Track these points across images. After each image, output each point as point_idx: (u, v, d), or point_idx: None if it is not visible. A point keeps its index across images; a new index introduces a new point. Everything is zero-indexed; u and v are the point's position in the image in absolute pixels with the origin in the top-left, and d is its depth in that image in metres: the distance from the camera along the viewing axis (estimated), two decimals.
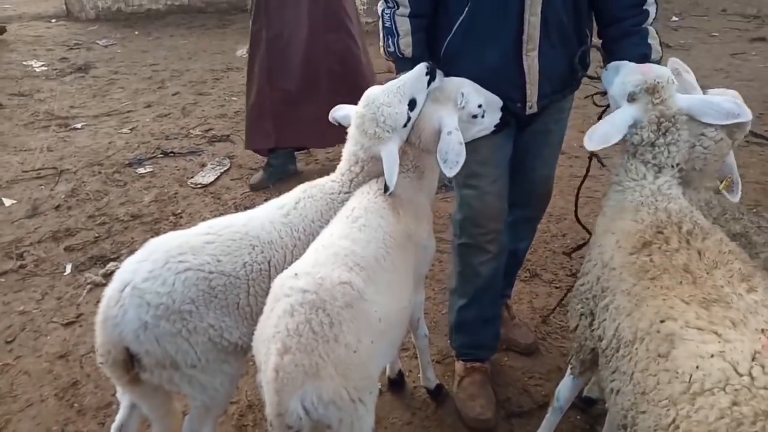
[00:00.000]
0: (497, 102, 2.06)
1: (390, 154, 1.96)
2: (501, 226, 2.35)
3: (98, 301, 3.31)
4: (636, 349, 1.49)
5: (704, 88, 2.03)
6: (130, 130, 5.72)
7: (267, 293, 1.87)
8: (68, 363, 2.87)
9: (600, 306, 1.72)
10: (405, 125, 2.00)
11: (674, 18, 8.44)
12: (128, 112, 6.18)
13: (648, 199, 1.80)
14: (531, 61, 2.05)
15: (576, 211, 2.58)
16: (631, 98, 1.83)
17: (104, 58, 7.84)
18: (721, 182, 2.11)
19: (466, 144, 2.00)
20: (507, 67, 2.07)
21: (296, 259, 1.88)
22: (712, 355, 1.28)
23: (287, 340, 1.44)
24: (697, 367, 1.29)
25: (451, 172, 1.91)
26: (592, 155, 2.28)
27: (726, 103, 1.82)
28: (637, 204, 1.80)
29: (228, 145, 5.36)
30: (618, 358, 1.57)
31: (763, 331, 1.29)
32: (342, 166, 2.16)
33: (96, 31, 7.96)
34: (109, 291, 1.78)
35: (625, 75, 1.89)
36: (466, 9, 2.03)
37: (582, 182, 2.37)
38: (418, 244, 2.05)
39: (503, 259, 2.47)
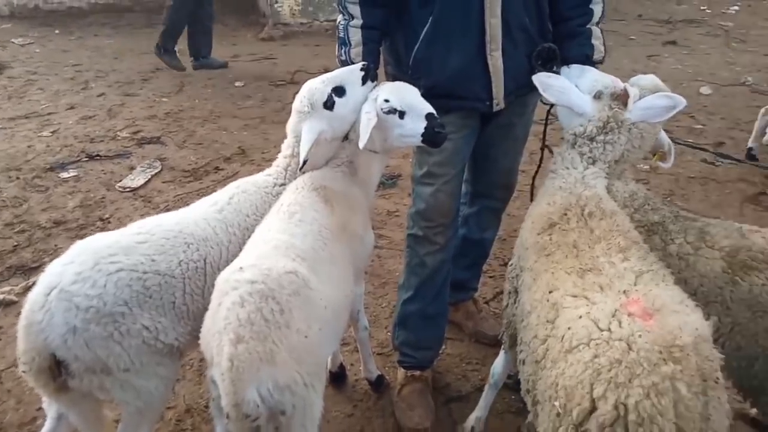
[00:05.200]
0: (421, 109, 2.02)
1: (308, 130, 2.02)
2: (449, 220, 2.44)
3: (18, 314, 3.15)
4: (531, 318, 1.62)
5: None
6: (52, 132, 5.41)
7: (203, 291, 1.88)
8: None
9: (519, 283, 1.83)
10: (327, 106, 2.04)
11: None
12: (49, 114, 5.84)
13: (569, 185, 1.94)
14: (495, 61, 2.14)
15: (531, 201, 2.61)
16: (597, 96, 2.00)
17: (21, 57, 7.37)
18: (654, 155, 2.31)
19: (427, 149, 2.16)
20: (472, 68, 2.15)
21: (232, 255, 1.88)
22: (580, 317, 1.42)
23: (240, 329, 1.46)
24: (569, 329, 1.42)
25: (361, 144, 1.99)
26: (544, 146, 2.38)
27: (660, 100, 1.97)
28: (556, 189, 1.94)
29: (158, 147, 5.19)
30: (522, 329, 1.71)
31: (625, 291, 1.44)
32: (278, 156, 2.21)
33: (10, 29, 7.48)
34: (33, 295, 1.70)
35: (599, 76, 2.05)
36: (430, 20, 2.11)
37: (536, 173, 2.44)
38: (355, 235, 2.09)
39: (449, 253, 2.53)
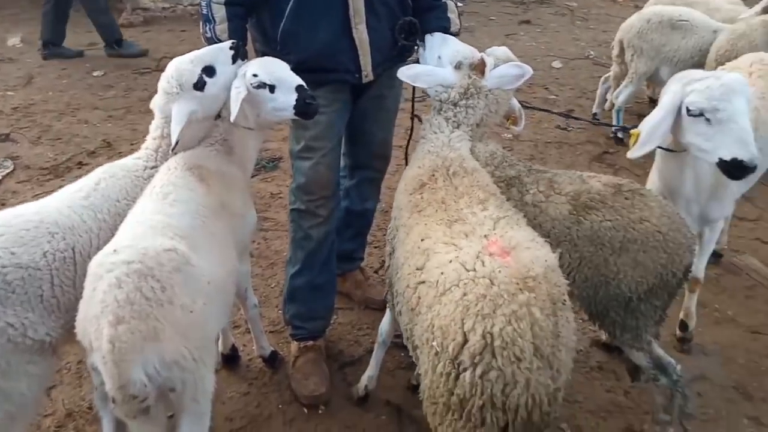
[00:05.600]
0: (290, 82, 2.06)
1: (178, 112, 1.98)
2: (330, 193, 2.50)
3: None
4: (404, 269, 1.75)
5: None
6: None
7: (74, 282, 1.79)
8: None
9: (395, 242, 1.96)
10: (198, 87, 2.01)
11: (460, 4, 9.33)
12: None
13: (436, 148, 2.09)
14: (360, 35, 2.23)
15: None
16: (458, 66, 2.14)
17: None
18: (507, 120, 2.52)
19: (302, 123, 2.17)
20: (339, 41, 2.22)
21: (103, 242, 1.80)
22: (450, 261, 1.57)
23: (119, 310, 1.43)
24: (442, 273, 1.56)
25: (231, 118, 2.00)
26: (413, 116, 2.51)
27: (512, 69, 2.18)
28: (425, 153, 2.09)
29: (8, 144, 4.71)
30: (397, 282, 1.84)
31: (486, 236, 1.62)
32: (147, 139, 2.15)
33: None
34: None
35: (460, 47, 2.19)
36: None
37: (408, 143, 2.57)
38: (235, 213, 2.09)
39: (333, 224, 2.60)
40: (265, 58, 2.18)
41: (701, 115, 2.04)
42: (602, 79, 5.07)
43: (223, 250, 1.91)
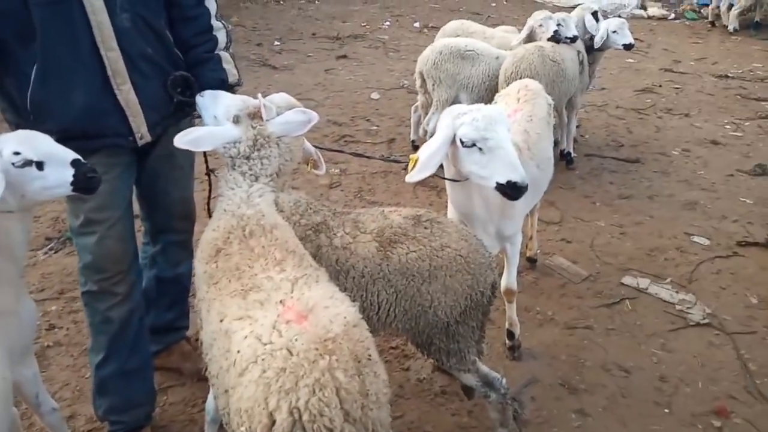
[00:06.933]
0: (62, 156, 1.83)
1: None
2: (127, 266, 2.25)
3: None
4: (214, 350, 1.61)
5: (306, 100, 2.31)
6: None
7: None
8: None
9: (201, 317, 1.80)
10: None
11: (276, 42, 9.39)
12: None
13: (233, 207, 1.94)
14: (126, 95, 2.04)
15: None
16: (236, 120, 2.01)
17: None
18: (307, 164, 2.47)
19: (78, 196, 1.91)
20: (102, 104, 2.02)
21: None
22: (245, 337, 1.46)
23: None
24: (239, 352, 1.45)
25: None
26: (209, 171, 2.34)
27: (296, 115, 2.10)
28: (221, 213, 1.94)
29: None
30: (210, 363, 1.68)
31: (281, 301, 1.52)
32: None
33: None
34: None
35: (230, 100, 2.07)
36: (38, 57, 1.92)
37: (209, 198, 2.36)
38: (1, 312, 1.78)
39: (137, 300, 2.34)
40: (23, 131, 1.90)
41: (474, 145, 2.19)
42: (413, 108, 5.35)
43: None
